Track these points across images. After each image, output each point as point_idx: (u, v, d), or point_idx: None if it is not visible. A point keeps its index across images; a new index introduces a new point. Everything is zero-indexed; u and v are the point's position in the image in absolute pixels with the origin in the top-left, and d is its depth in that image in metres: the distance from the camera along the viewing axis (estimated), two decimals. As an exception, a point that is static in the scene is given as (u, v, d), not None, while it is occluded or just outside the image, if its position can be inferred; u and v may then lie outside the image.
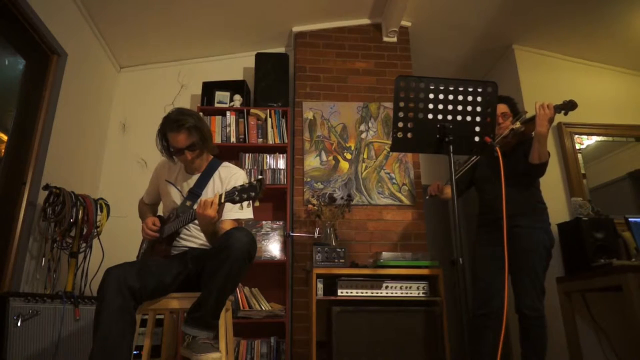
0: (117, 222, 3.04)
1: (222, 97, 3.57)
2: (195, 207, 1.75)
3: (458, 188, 2.64)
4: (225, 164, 2.08)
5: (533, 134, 2.22)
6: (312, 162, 3.47)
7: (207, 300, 1.61)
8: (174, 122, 1.86)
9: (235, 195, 1.59)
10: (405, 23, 3.87)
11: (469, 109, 1.76)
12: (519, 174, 2.32)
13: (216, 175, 2.00)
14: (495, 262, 2.35)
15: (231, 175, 2.00)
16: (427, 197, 2.67)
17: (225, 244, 1.62)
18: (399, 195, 3.42)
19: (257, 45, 3.89)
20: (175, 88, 3.85)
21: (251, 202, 1.65)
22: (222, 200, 1.62)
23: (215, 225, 1.74)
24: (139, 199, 2.28)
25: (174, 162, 2.03)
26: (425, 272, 2.80)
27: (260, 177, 1.63)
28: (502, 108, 2.43)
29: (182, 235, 1.96)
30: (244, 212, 1.75)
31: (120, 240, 2.87)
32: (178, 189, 2.01)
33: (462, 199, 3.28)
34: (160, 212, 2.17)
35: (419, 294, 2.77)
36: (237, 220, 1.91)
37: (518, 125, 2.33)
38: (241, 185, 1.61)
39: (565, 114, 2.16)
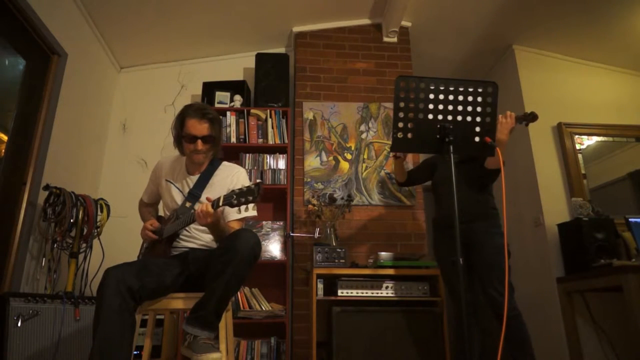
0: (117, 222, 3.04)
1: (222, 97, 3.57)
2: (196, 206, 1.76)
3: (415, 175, 2.81)
4: (225, 163, 2.08)
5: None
6: (312, 162, 3.47)
7: (210, 299, 1.61)
8: (198, 109, 1.91)
9: (233, 199, 1.59)
10: (405, 23, 3.87)
11: (469, 109, 1.76)
12: (474, 178, 2.40)
13: (215, 176, 2.00)
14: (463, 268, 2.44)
15: (231, 175, 2.00)
16: (392, 155, 2.74)
17: (231, 245, 1.62)
18: (399, 195, 3.41)
19: (257, 45, 3.89)
20: (175, 88, 3.85)
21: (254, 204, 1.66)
22: (220, 204, 1.62)
23: (219, 223, 1.75)
24: (139, 200, 2.28)
25: (180, 150, 2.02)
26: (425, 272, 2.80)
27: (258, 180, 1.63)
28: None
29: (181, 236, 1.96)
30: (249, 211, 1.75)
31: (120, 240, 2.87)
32: (178, 188, 2.01)
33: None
34: (161, 211, 2.17)
35: (419, 294, 2.77)
36: (242, 219, 1.93)
37: None
38: (239, 189, 1.60)
39: (526, 125, 2.28)
